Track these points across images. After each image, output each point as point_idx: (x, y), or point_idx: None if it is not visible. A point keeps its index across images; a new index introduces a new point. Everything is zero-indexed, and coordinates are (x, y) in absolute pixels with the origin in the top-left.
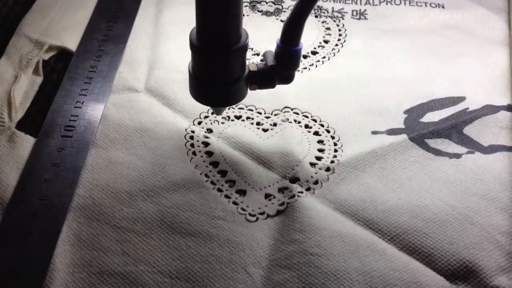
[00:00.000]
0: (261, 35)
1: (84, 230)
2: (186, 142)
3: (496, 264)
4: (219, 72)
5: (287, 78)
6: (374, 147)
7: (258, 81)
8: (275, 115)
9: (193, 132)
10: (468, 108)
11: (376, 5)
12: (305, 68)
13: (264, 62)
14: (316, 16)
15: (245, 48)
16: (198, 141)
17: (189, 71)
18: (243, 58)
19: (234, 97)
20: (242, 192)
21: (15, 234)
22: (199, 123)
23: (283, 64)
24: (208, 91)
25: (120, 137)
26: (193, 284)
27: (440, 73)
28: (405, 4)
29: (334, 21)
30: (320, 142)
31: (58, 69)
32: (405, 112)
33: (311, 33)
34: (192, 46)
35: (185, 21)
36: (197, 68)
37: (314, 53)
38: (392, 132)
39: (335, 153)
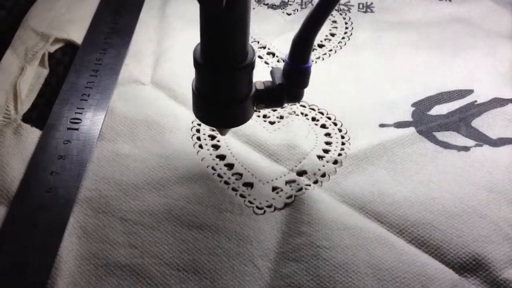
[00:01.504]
0: (267, 28)
1: (90, 223)
2: (193, 135)
3: (505, 257)
4: (224, 91)
5: (296, 97)
6: (382, 140)
7: (266, 100)
8: (282, 108)
9: (199, 125)
10: (476, 101)
11: None
12: (312, 61)
13: (271, 80)
14: None
15: (252, 65)
16: (204, 134)
17: (192, 89)
18: (250, 76)
19: (240, 118)
20: (249, 185)
21: (22, 226)
22: None
23: (292, 82)
24: (213, 111)
25: (126, 129)
26: (201, 277)
27: (447, 66)
28: None
29: (341, 14)
30: (327, 135)
31: (65, 62)
32: (413, 105)
33: None
34: (196, 63)
35: (190, 13)
36: (201, 87)
37: (320, 46)
38: (400, 125)
39: (343, 146)
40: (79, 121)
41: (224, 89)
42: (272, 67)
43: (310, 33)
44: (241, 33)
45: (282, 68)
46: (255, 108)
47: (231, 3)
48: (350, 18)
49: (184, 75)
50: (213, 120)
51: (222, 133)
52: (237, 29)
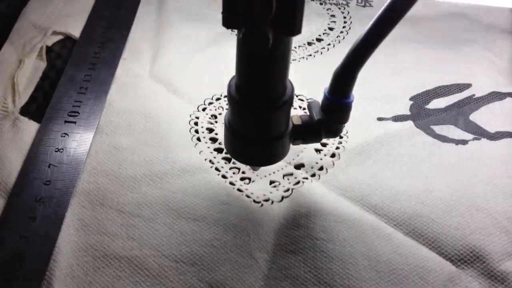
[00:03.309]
0: None
1: (88, 215)
2: (191, 128)
3: (502, 249)
4: (261, 128)
5: (335, 132)
6: (380, 133)
7: (303, 135)
8: None
9: (197, 118)
10: (474, 95)
11: None
12: (310, 55)
13: (308, 114)
14: (321, 3)
15: (291, 101)
16: (202, 127)
17: (225, 125)
18: (288, 112)
19: (276, 155)
20: (246, 179)
21: (19, 218)
22: (204, 109)
23: (332, 118)
24: (248, 148)
25: (124, 123)
26: (198, 268)
27: (445, 60)
28: None
29: (339, 8)
30: None
31: (63, 55)
32: (411, 98)
33: (316, 20)
34: (231, 99)
35: (188, 7)
36: (235, 123)
37: (319, 40)
38: (397, 118)
39: (341, 139)
40: (77, 114)
41: (261, 127)
42: (309, 101)
43: (355, 66)
44: (283, 70)
45: (320, 102)
46: (291, 144)
47: (276, 42)
48: (348, 13)
49: (182, 68)
50: (247, 158)
51: (255, 170)
52: (279, 66)
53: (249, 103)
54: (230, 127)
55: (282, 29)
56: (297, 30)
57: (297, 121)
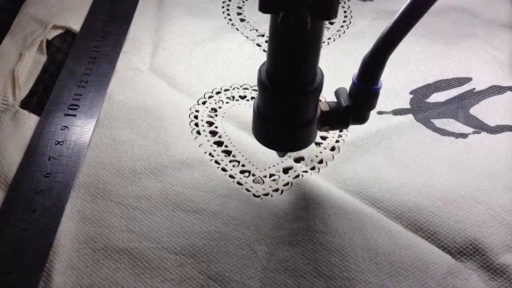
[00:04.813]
0: (266, 17)
1: (88, 207)
2: (191, 122)
3: (502, 242)
4: (291, 114)
5: (362, 119)
6: (380, 127)
7: (330, 121)
8: None
9: (197, 111)
10: (474, 89)
11: None
12: None
13: (336, 101)
14: None
15: (320, 88)
16: (202, 120)
17: (254, 110)
18: (317, 98)
19: (304, 141)
20: (246, 172)
21: (20, 210)
22: (204, 102)
23: (360, 104)
24: (276, 134)
25: (124, 116)
26: (198, 260)
27: (446, 54)
28: None
29: (340, 2)
30: None
31: (63, 49)
32: (411, 92)
33: None
34: (262, 85)
35: (188, 1)
36: (265, 109)
37: None
38: (397, 112)
39: (340, 133)
40: (77, 107)
41: (291, 113)
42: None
43: (384, 53)
44: (316, 54)
45: (347, 89)
46: (318, 130)
47: (312, 26)
48: (349, 7)
49: (182, 62)
50: (276, 144)
51: (281, 155)
52: (313, 50)
53: (280, 89)
54: (259, 113)
55: (319, 13)
56: (333, 14)
57: (325, 108)
